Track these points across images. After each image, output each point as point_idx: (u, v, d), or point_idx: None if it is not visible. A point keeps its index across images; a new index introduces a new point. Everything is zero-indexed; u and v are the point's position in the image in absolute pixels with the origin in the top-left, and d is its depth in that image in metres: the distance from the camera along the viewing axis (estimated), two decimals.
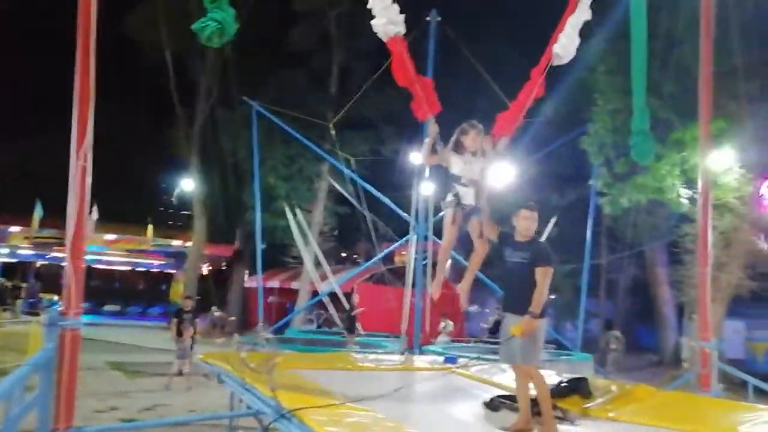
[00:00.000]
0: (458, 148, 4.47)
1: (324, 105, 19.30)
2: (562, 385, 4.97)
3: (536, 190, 16.93)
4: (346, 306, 15.91)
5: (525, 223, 4.22)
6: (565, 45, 4.90)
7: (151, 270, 27.52)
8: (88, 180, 3.78)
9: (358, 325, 15.87)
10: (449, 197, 4.50)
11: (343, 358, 6.46)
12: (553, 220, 15.22)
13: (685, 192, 11.90)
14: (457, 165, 4.45)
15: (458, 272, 26.21)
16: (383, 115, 20.59)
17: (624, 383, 5.23)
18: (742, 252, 12.17)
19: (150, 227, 23.18)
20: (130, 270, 28.49)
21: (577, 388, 4.96)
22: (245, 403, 4.03)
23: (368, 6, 4.59)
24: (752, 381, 6.05)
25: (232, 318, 16.93)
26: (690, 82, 10.65)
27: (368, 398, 3.81)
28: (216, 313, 11.41)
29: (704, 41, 6.89)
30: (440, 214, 14.34)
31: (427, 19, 11.56)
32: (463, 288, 4.81)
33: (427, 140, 4.66)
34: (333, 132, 14.65)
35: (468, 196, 4.43)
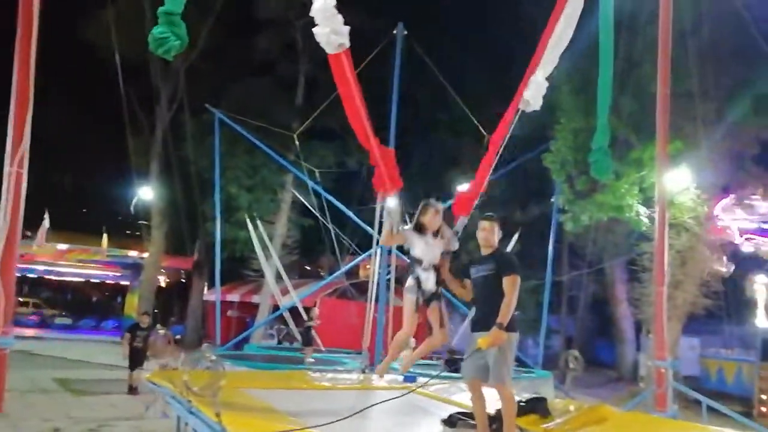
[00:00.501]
0: (419, 228, 4.39)
1: (289, 115, 19.11)
2: (521, 404, 4.89)
3: (500, 206, 17.07)
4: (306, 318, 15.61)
5: (482, 234, 4.18)
6: (534, 93, 4.92)
7: (106, 282, 26.61)
8: (23, 188, 3.52)
9: (317, 339, 15.57)
10: (410, 281, 4.42)
11: (299, 377, 6.25)
12: (516, 236, 15.33)
13: (643, 210, 12.15)
14: (418, 247, 4.36)
15: None
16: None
17: (581, 404, 5.18)
18: (698, 270, 12.45)
19: (105, 237, 22.42)
20: (83, 282, 27.49)
21: (535, 408, 4.90)
22: (190, 427, 3.79)
23: (310, 15, 4.32)
24: (706, 401, 6.09)
25: (178, 336, 16.40)
26: (648, 102, 10.96)
27: (321, 423, 3.62)
28: (160, 330, 11.08)
29: (662, 64, 7.03)
30: (405, 227, 14.35)
31: (394, 32, 11.56)
32: (407, 360, 4.97)
33: (386, 222, 4.59)
34: (297, 143, 14.48)
35: (429, 282, 4.37)
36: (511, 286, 3.96)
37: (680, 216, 11.80)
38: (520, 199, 18.95)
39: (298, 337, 15.10)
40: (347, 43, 4.36)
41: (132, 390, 10.50)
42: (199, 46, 19.25)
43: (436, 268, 4.39)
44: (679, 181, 11.25)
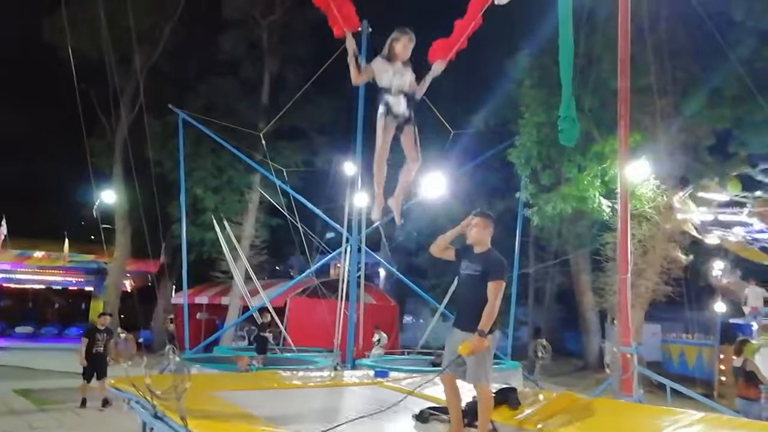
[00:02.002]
0: (389, 56, 4.33)
1: (255, 114, 18.90)
2: (492, 395, 4.97)
3: (466, 202, 17.26)
4: (278, 323, 15.50)
5: (473, 231, 4.19)
6: None
7: (69, 288, 25.87)
8: None
9: (289, 340, 15.49)
10: (381, 107, 4.34)
11: (269, 377, 6.20)
12: None
13: (605, 202, 12.44)
14: (386, 75, 4.31)
15: (391, 282, 26.31)
16: (316, 125, 20.43)
17: (550, 393, 5.29)
18: (658, 259, 12.81)
19: (67, 242, 21.77)
20: (44, 289, 26.66)
21: (506, 399, 4.98)
22: None
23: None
24: (670, 384, 6.30)
25: (141, 340, 16.09)
26: (608, 97, 11.22)
27: (292, 422, 3.62)
28: (122, 334, 10.74)
29: (622, 60, 7.20)
30: (374, 225, 14.41)
31: (359, 29, 11.52)
32: (393, 204, 4.67)
33: (349, 59, 4.43)
34: (264, 142, 14.35)
35: (399, 105, 4.31)
36: (495, 291, 3.92)
37: (641, 206, 12.12)
38: (486, 194, 19.19)
39: (270, 338, 14.97)
40: None
41: (84, 403, 9.92)
42: (161, 46, 18.88)
43: (406, 94, 4.33)
44: (638, 173, 11.55)
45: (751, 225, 12.70)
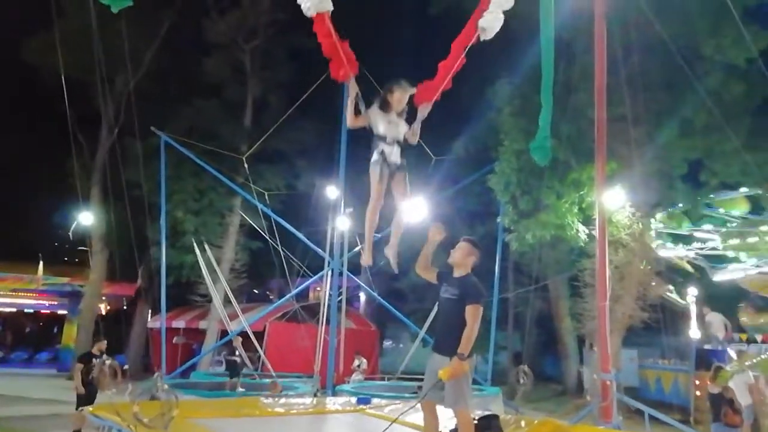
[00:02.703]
0: (384, 107, 4.48)
1: (237, 137, 18.93)
2: (474, 422, 4.99)
3: (447, 226, 17.39)
4: (257, 347, 15.32)
5: (456, 254, 4.29)
6: (490, 20, 4.94)
7: (41, 311, 25.21)
8: None
9: (268, 365, 15.30)
10: (375, 156, 4.46)
11: (250, 404, 6.14)
12: None
13: (583, 228, 12.68)
14: (381, 124, 4.45)
15: (371, 307, 26.20)
16: (298, 148, 20.50)
17: (532, 419, 5.33)
18: (635, 284, 13.03)
19: (41, 264, 21.32)
20: (14, 312, 25.92)
21: (488, 426, 5.00)
22: None
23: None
24: (648, 410, 6.40)
25: (126, 366, 15.76)
26: (585, 126, 11.53)
27: None
28: (107, 360, 10.41)
29: (598, 88, 7.45)
30: (356, 249, 14.43)
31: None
32: (389, 252, 4.76)
33: (349, 102, 4.58)
34: (246, 166, 14.37)
35: (393, 154, 4.45)
36: (473, 316, 3.95)
37: (617, 233, 12.38)
38: (466, 219, 19.37)
39: (248, 363, 14.79)
40: (330, 7, 4.41)
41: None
42: (144, 68, 18.88)
43: (400, 144, 4.47)
44: (614, 200, 11.83)
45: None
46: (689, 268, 14.44)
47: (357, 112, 4.57)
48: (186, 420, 4.49)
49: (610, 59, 9.67)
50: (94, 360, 9.74)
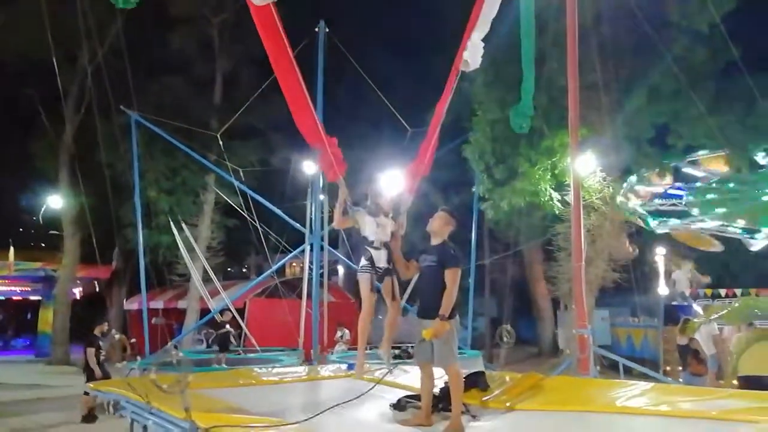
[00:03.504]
0: (373, 211, 4.62)
1: (208, 113, 18.65)
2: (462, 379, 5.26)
3: (422, 197, 17.61)
4: (241, 323, 15.44)
5: (435, 223, 4.44)
6: (473, 52, 5.22)
7: (13, 298, 24.78)
8: None
9: (252, 340, 15.48)
10: (363, 262, 4.61)
11: (246, 375, 6.30)
12: None
13: (555, 195, 13.03)
14: (370, 227, 4.57)
15: (350, 279, 26.46)
16: (271, 123, 20.31)
17: (516, 374, 5.64)
18: (606, 247, 13.50)
19: (12, 250, 20.88)
20: None
21: (475, 382, 5.28)
22: (150, 429, 3.83)
23: None
24: (622, 361, 6.81)
25: (133, 340, 15.76)
26: (556, 95, 11.78)
27: (281, 414, 3.79)
28: (116, 335, 10.47)
29: (570, 59, 7.64)
30: (333, 225, 14.51)
31: (316, 30, 11.67)
32: (383, 351, 5.00)
33: (338, 203, 4.75)
34: (221, 143, 14.23)
35: (381, 260, 4.59)
36: (452, 279, 4.16)
37: (589, 197, 12.76)
38: (441, 189, 19.61)
39: (233, 339, 14.91)
40: None
41: (91, 417, 9.44)
42: (107, 44, 18.32)
43: (387, 246, 4.61)
44: (586, 166, 12.17)
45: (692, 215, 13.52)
46: (639, 222, 14.93)
47: (345, 212, 4.70)
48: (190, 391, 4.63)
49: (580, 28, 9.86)
50: (101, 343, 9.93)
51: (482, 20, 5.51)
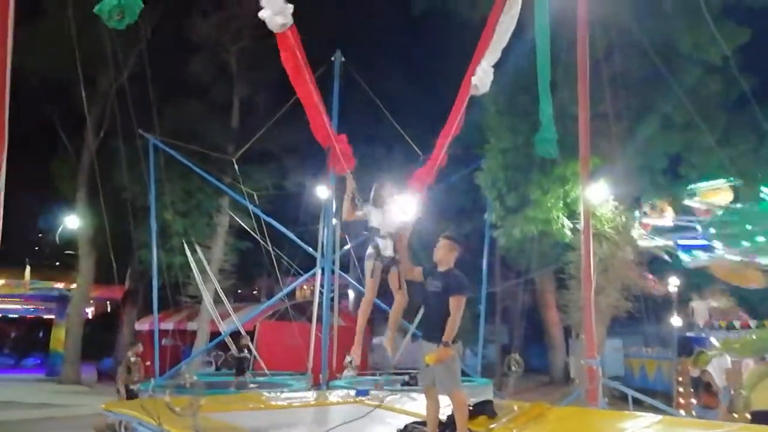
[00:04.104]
0: (376, 202, 4.74)
1: (224, 138, 18.96)
2: (469, 408, 5.25)
3: (435, 223, 17.66)
4: (251, 345, 15.47)
5: (438, 252, 4.49)
6: (482, 77, 5.38)
7: (27, 317, 25.02)
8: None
9: (261, 363, 15.46)
10: (370, 250, 4.70)
11: (254, 399, 6.34)
12: None
13: (567, 223, 13.03)
14: (376, 218, 4.68)
15: (360, 303, 26.39)
16: (286, 147, 20.57)
17: (524, 402, 5.61)
18: (618, 276, 13.41)
19: (28, 269, 21.18)
20: (0, 318, 25.68)
21: (483, 410, 5.28)
22: None
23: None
24: (631, 393, 6.75)
25: (148, 363, 15.83)
26: (568, 122, 11.87)
27: None
28: (132, 357, 10.55)
29: (581, 90, 7.75)
30: (345, 247, 14.60)
31: (332, 59, 11.93)
32: (387, 343, 5.09)
33: (346, 196, 4.88)
34: (236, 167, 14.45)
35: (387, 249, 4.68)
36: (456, 306, 4.22)
37: (601, 226, 12.74)
38: (454, 216, 19.65)
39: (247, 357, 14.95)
40: (290, 22, 4.75)
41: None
42: (128, 69, 18.80)
43: (393, 237, 4.70)
44: (598, 195, 12.19)
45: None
46: (665, 256, 14.81)
47: (353, 205, 4.85)
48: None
49: (592, 58, 9.99)
50: (133, 365, 10.10)
51: (493, 47, 5.67)
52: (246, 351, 13.69)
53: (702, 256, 13.96)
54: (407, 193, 5.17)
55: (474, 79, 5.43)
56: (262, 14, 4.76)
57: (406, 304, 4.86)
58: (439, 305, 4.30)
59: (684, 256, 13.91)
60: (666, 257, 14.77)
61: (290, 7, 4.73)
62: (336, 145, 5.10)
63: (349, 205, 4.86)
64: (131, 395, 9.61)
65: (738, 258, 13.65)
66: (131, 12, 3.98)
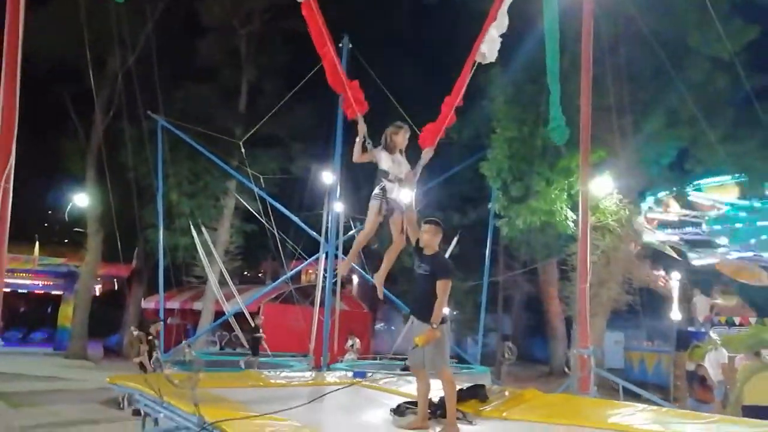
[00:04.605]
0: (387, 147, 4.82)
1: (232, 121, 19.08)
2: (461, 391, 5.39)
3: (440, 211, 17.77)
4: (252, 325, 15.70)
5: (425, 236, 4.61)
6: (490, 45, 5.45)
7: (35, 291, 25.41)
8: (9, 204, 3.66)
9: (265, 346, 15.70)
10: (377, 189, 4.79)
11: (254, 377, 6.50)
12: (455, 239, 16.03)
13: (571, 215, 13.07)
14: (386, 162, 4.77)
15: (364, 289, 26.65)
16: (292, 132, 20.68)
17: (516, 389, 5.75)
18: (620, 269, 13.48)
19: (37, 245, 21.48)
20: (9, 292, 26.07)
21: (475, 393, 5.42)
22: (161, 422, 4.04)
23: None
24: (621, 383, 6.88)
25: (151, 336, 16.14)
26: (575, 115, 11.87)
27: (286, 409, 3.98)
28: (134, 332, 10.75)
29: (584, 84, 7.78)
30: (350, 233, 14.73)
31: (340, 45, 11.98)
32: (378, 279, 5.16)
33: (357, 138, 4.94)
34: (243, 150, 14.57)
35: (394, 191, 4.77)
36: (442, 289, 4.37)
37: (605, 219, 12.79)
38: (458, 204, 19.74)
39: (245, 342, 15.17)
40: None
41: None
42: (138, 50, 18.90)
43: (401, 183, 4.80)
44: (602, 187, 12.23)
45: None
46: (672, 253, 14.87)
47: (364, 148, 4.92)
48: (198, 390, 4.84)
49: (600, 50, 9.97)
50: (154, 341, 10.25)
51: (501, 15, 5.72)
52: (261, 331, 13.93)
53: (708, 254, 14.02)
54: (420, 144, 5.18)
55: (482, 47, 5.47)
56: None
57: (404, 246, 4.94)
58: (426, 286, 4.46)
59: (691, 254, 13.99)
60: (674, 254, 14.84)
61: None
62: (348, 90, 5.19)
63: (360, 147, 4.95)
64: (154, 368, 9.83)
65: (746, 254, 13.72)
66: None
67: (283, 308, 19.16)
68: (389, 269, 5.14)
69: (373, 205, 4.79)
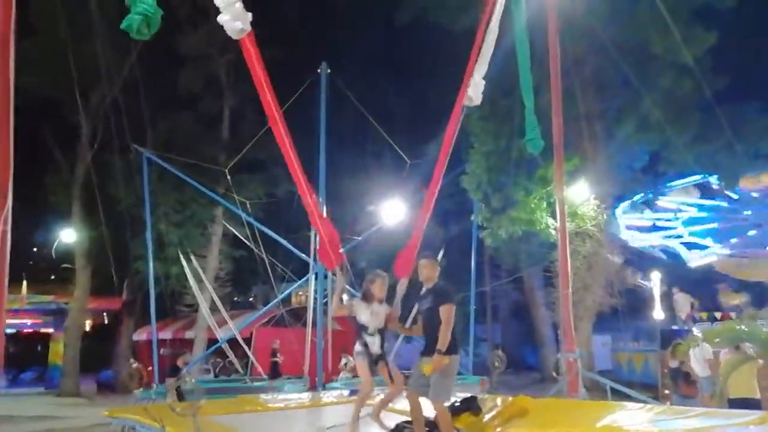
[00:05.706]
0: (366, 298, 4.93)
1: (216, 148, 19.24)
2: (456, 404, 5.58)
3: (423, 226, 17.97)
4: (247, 351, 15.76)
5: (424, 271, 4.77)
6: (474, 89, 5.76)
7: (24, 330, 25.13)
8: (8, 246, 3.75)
9: (260, 369, 15.76)
10: (358, 347, 4.93)
11: (251, 402, 6.62)
12: (441, 252, 16.23)
13: (552, 222, 13.39)
14: (364, 315, 4.87)
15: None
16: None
17: (507, 397, 5.95)
18: (603, 273, 13.78)
19: (25, 283, 21.33)
20: None
21: (468, 407, 5.60)
22: None
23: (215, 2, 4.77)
24: (609, 383, 7.12)
25: (150, 368, 16.11)
26: (549, 125, 12.24)
27: None
28: (134, 365, 10.78)
29: (555, 96, 8.12)
30: (331, 313, 14.87)
31: (318, 71, 12.25)
32: (375, 419, 5.22)
33: (336, 293, 5.14)
34: (229, 177, 14.73)
35: (375, 345, 4.90)
36: (446, 314, 4.46)
37: (584, 225, 13.12)
38: (441, 218, 19.98)
39: (239, 368, 15.20)
40: (247, 28, 4.82)
41: None
42: (120, 83, 19.05)
43: (381, 333, 4.93)
44: (579, 194, 12.57)
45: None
46: (662, 255, 15.21)
47: (341, 301, 5.13)
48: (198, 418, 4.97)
49: (570, 61, 10.36)
50: (182, 374, 10.41)
51: (482, 59, 6.01)
52: (279, 356, 13.97)
53: (702, 254, 14.35)
54: (396, 277, 5.35)
55: (469, 92, 5.79)
56: (220, 18, 4.77)
57: (400, 392, 5.06)
58: (433, 320, 4.56)
59: (687, 254, 14.29)
60: (662, 255, 15.18)
61: (249, 15, 4.79)
62: (324, 236, 5.29)
63: (338, 301, 5.11)
64: (180, 397, 9.88)
65: (731, 252, 14.09)
66: (155, 22, 4.14)
67: (276, 332, 19.18)
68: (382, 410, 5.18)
69: (362, 364, 4.88)
